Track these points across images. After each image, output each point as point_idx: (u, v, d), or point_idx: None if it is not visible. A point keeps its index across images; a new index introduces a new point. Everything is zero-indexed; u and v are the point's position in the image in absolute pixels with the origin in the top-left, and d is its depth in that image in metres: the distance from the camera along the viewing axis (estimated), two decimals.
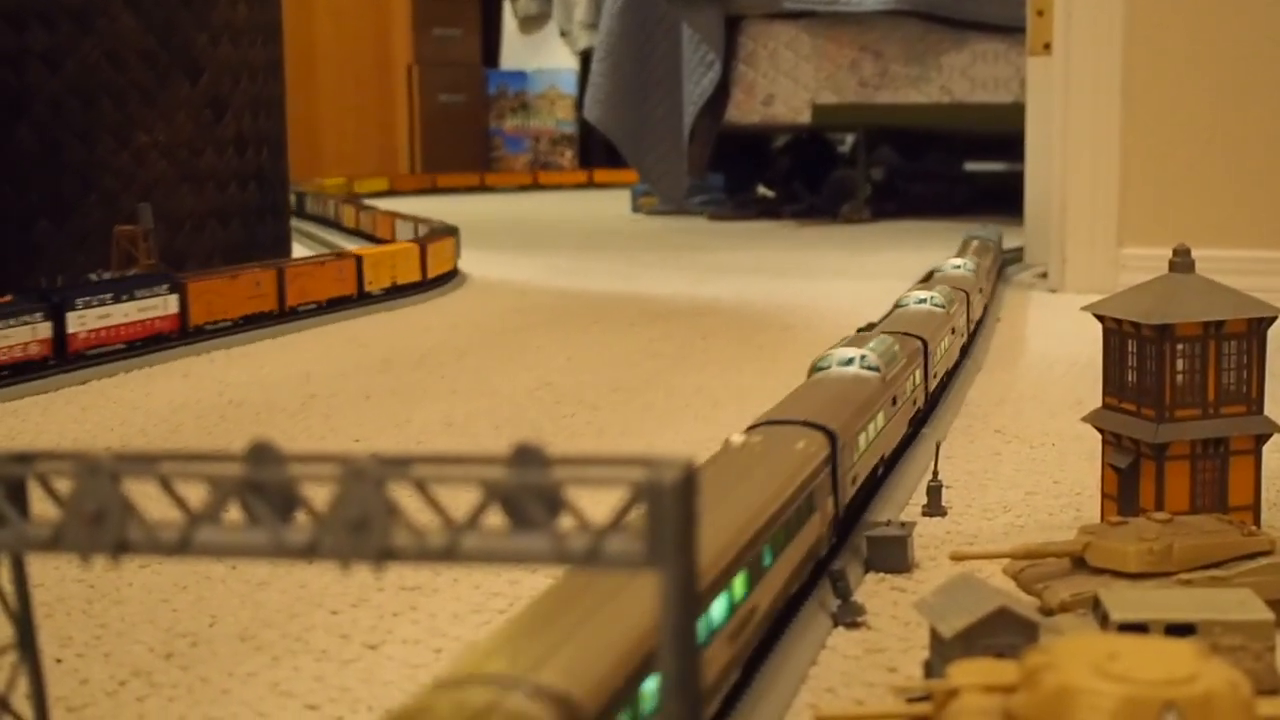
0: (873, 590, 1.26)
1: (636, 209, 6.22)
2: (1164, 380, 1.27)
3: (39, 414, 2.14)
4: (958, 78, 5.16)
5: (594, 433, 1.94)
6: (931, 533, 1.43)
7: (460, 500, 0.64)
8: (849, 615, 1.17)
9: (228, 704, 1.05)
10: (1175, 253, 1.32)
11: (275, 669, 1.12)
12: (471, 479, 0.63)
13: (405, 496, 0.64)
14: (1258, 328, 1.30)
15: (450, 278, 3.69)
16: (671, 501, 0.61)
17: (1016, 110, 3.97)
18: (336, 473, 0.64)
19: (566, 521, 0.63)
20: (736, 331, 2.86)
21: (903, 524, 1.35)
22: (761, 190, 6.31)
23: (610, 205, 6.57)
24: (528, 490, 0.63)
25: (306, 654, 1.15)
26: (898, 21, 5.14)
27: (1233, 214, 3.16)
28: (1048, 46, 3.43)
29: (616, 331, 2.87)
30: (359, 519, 0.64)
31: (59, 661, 1.14)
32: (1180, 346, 1.27)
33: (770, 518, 1.07)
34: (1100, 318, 1.34)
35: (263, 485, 0.65)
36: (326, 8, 7.63)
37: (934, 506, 1.50)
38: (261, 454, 0.66)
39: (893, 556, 1.30)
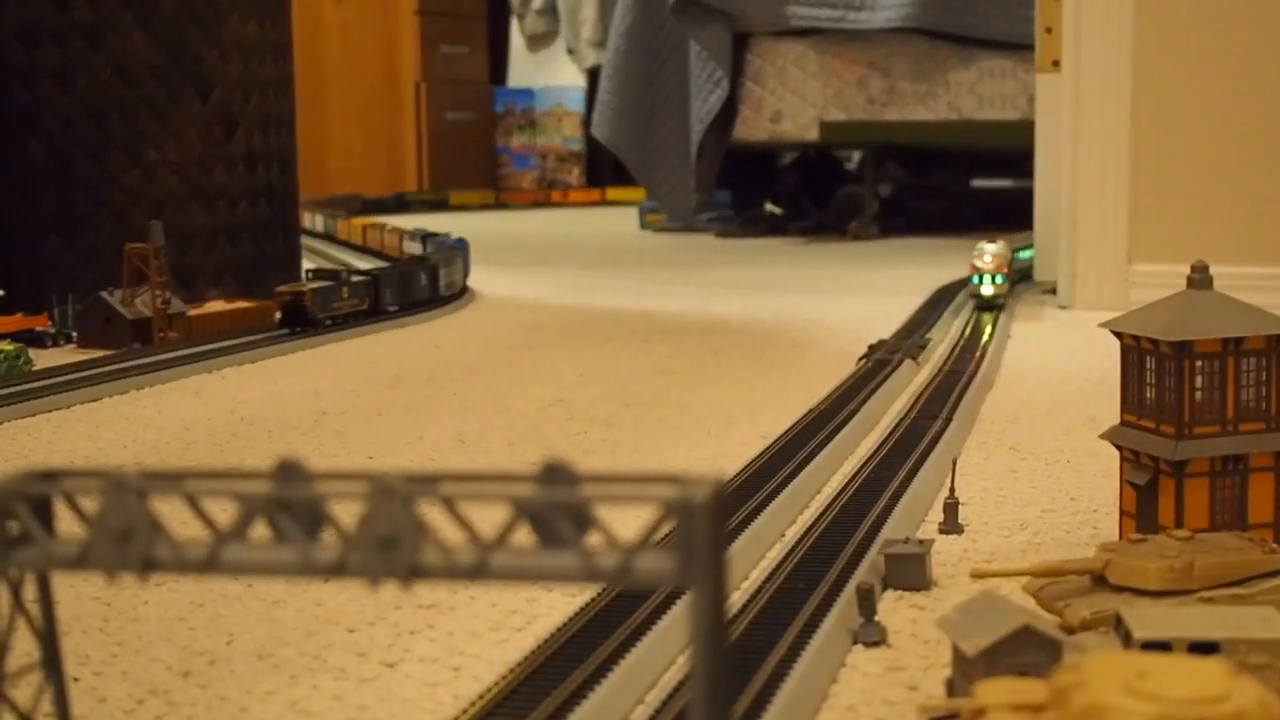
0: (891, 608, 1.25)
1: (644, 226, 6.22)
2: (1183, 397, 1.27)
3: (51, 431, 2.14)
4: (965, 95, 5.16)
5: (608, 449, 1.94)
6: (949, 550, 1.42)
7: (486, 518, 0.64)
8: (871, 635, 1.16)
9: None
10: (1193, 269, 1.31)
11: (294, 687, 1.11)
12: (500, 496, 0.63)
13: (432, 515, 0.63)
14: (1277, 344, 1.29)
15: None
16: (702, 519, 0.61)
17: (1024, 127, 3.97)
18: (364, 490, 0.64)
19: (595, 539, 0.63)
20: (747, 348, 2.86)
21: (920, 541, 1.34)
22: (769, 207, 6.31)
23: (618, 222, 6.57)
24: (557, 508, 0.63)
25: (324, 672, 1.14)
26: (905, 39, 5.14)
27: (1244, 230, 3.16)
28: (1057, 63, 3.43)
29: (627, 348, 2.87)
30: (387, 537, 0.64)
31: (76, 680, 1.13)
32: (1199, 363, 1.27)
33: None
34: (1118, 334, 1.33)
35: (290, 503, 0.65)
36: (335, 26, 7.65)
37: (951, 524, 1.49)
38: (289, 471, 0.66)
39: (911, 574, 1.30)
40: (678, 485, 0.62)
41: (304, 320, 3.02)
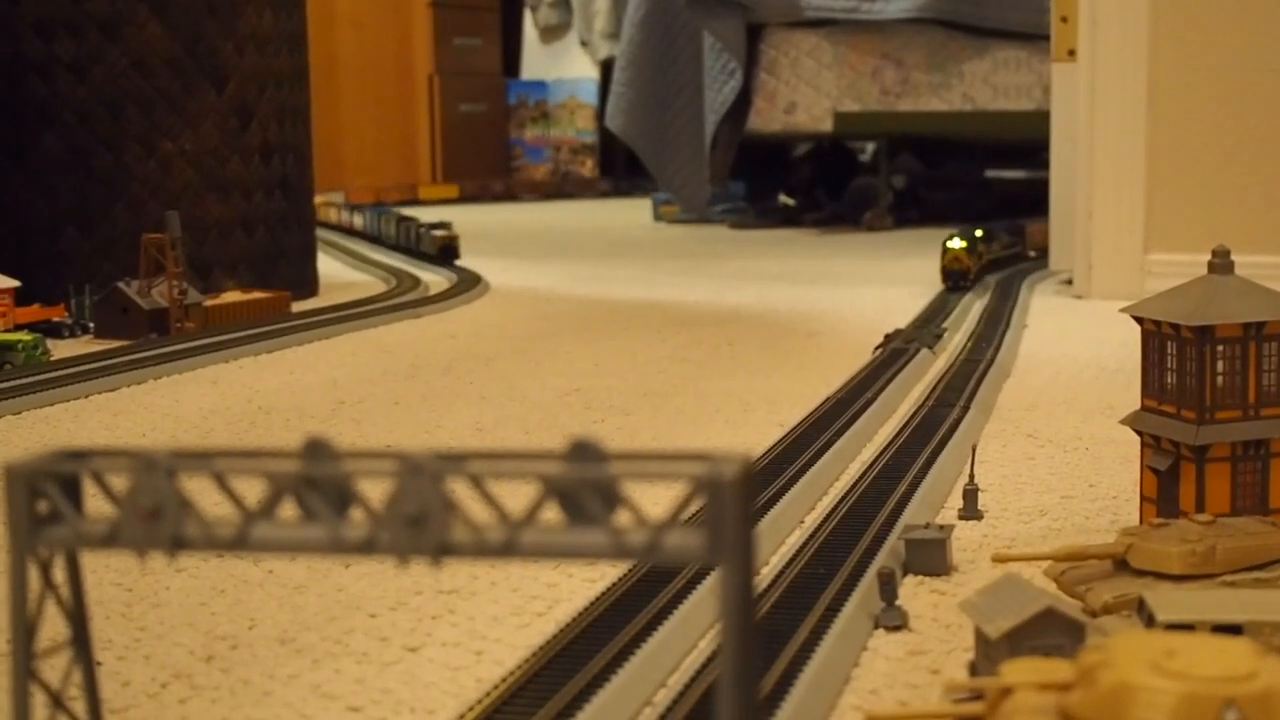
0: (912, 593, 1.25)
1: (658, 218, 6.22)
2: (1204, 382, 1.27)
3: (70, 420, 2.15)
4: (979, 85, 5.15)
5: (625, 437, 1.94)
6: (969, 536, 1.42)
7: (514, 497, 0.64)
8: (892, 620, 1.16)
9: (270, 706, 1.05)
10: (1214, 254, 1.31)
11: (316, 671, 1.12)
12: (529, 474, 0.63)
13: (461, 494, 0.63)
14: None
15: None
16: (731, 496, 0.61)
17: (1038, 117, 3.96)
18: (393, 468, 0.64)
19: (624, 517, 0.63)
20: (763, 338, 2.86)
21: (940, 527, 1.34)
22: (783, 198, 6.31)
23: (632, 214, 6.57)
24: (585, 485, 0.63)
25: (347, 657, 1.15)
26: (919, 29, 5.13)
27: (1259, 219, 3.15)
28: (1072, 53, 3.42)
29: (643, 338, 2.87)
30: (417, 514, 0.63)
31: (100, 664, 1.13)
32: (1220, 348, 1.26)
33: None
34: (1139, 320, 1.33)
35: (319, 481, 0.65)
36: (348, 18, 7.66)
37: (970, 510, 1.49)
38: (317, 450, 0.66)
39: (931, 559, 1.30)
40: (706, 462, 0.62)
41: (455, 257, 4.14)
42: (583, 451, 0.64)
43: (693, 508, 0.61)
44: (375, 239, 4.96)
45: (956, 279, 3.38)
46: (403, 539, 0.64)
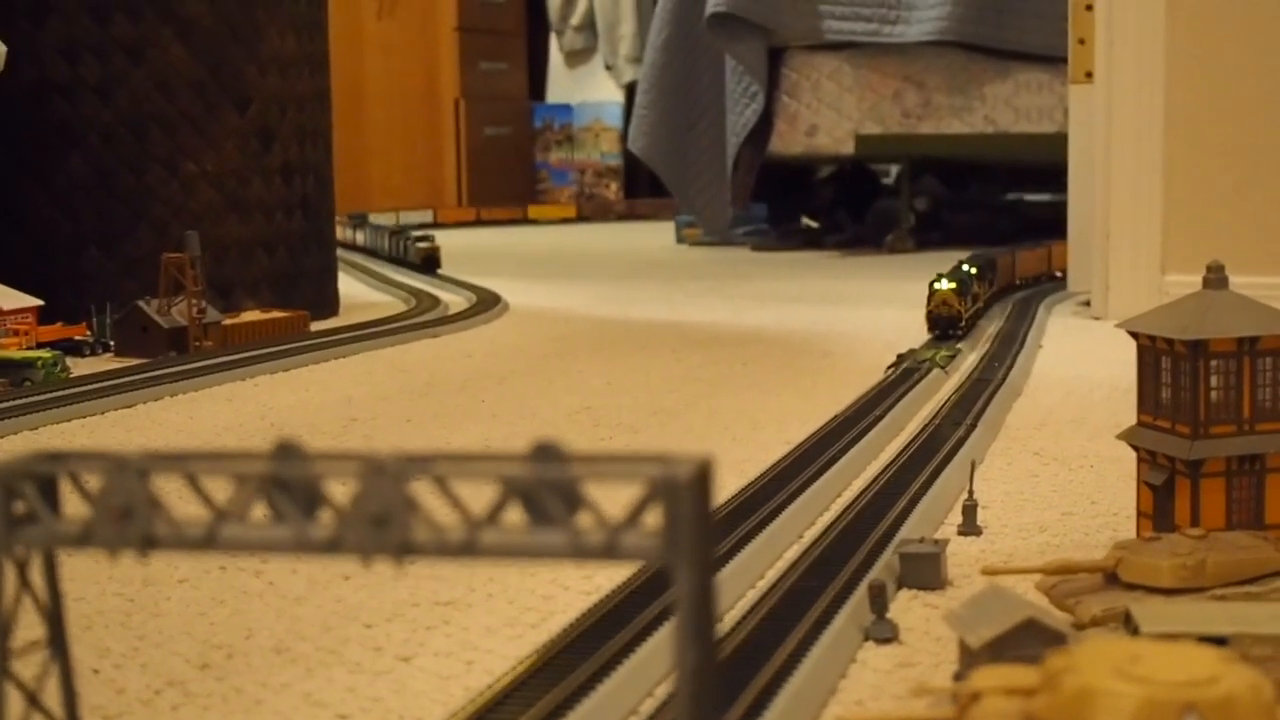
0: (905, 607, 1.26)
1: (681, 240, 6.23)
2: (1198, 397, 1.27)
3: (85, 436, 2.17)
4: (1001, 107, 5.15)
5: None
6: (966, 551, 1.42)
7: (481, 498, 0.65)
8: (882, 632, 1.17)
9: (261, 714, 1.06)
10: (1209, 269, 1.31)
11: (308, 680, 1.13)
12: (491, 475, 0.64)
13: (428, 495, 0.64)
14: None
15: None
16: (687, 497, 0.62)
17: (1060, 140, 3.96)
18: (358, 469, 0.65)
19: (584, 518, 0.64)
20: (778, 358, 2.86)
21: (936, 541, 1.34)
22: (805, 221, 6.31)
23: (654, 236, 6.58)
24: (546, 486, 0.64)
25: (340, 666, 1.16)
26: (940, 52, 5.14)
27: (1277, 241, 3.14)
28: (1089, 75, 3.42)
29: (658, 357, 2.88)
30: (380, 514, 0.65)
31: (96, 672, 1.15)
32: (1214, 363, 1.27)
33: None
34: (1134, 334, 1.33)
35: (287, 482, 0.66)
36: (375, 43, 7.72)
37: (969, 525, 1.49)
38: (286, 452, 0.67)
39: (925, 573, 1.30)
40: (662, 464, 0.63)
41: (437, 266, 4.68)
42: (544, 453, 0.65)
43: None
44: (373, 252, 5.38)
45: (945, 326, 2.85)
46: (366, 539, 0.65)
